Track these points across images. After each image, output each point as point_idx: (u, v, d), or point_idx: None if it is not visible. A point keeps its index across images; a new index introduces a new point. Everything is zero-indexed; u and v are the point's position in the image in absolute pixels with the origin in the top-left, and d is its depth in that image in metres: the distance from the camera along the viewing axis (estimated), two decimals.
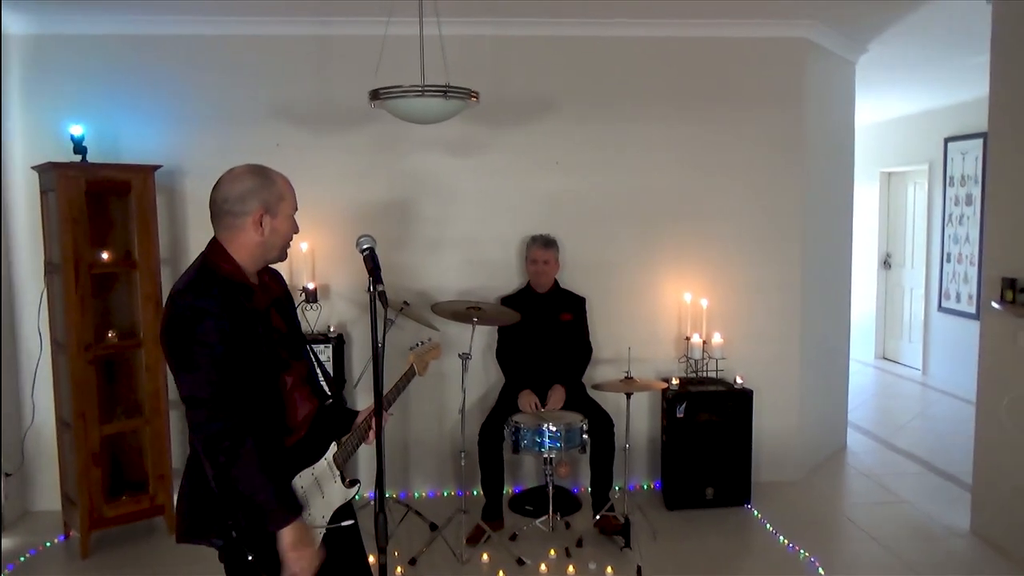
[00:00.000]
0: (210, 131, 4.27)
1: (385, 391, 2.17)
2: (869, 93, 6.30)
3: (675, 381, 4.39)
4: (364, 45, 3.89)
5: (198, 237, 4.25)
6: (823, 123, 4.98)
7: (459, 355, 3.71)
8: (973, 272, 7.07)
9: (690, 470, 4.34)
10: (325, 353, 4.07)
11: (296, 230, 2.07)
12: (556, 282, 4.34)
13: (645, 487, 4.69)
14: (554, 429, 3.74)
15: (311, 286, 4.23)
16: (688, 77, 4.54)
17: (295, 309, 2.27)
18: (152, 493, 4.00)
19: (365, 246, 2.03)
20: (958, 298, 7.34)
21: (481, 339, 4.23)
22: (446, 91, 3.16)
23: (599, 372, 4.48)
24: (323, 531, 2.10)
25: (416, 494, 4.57)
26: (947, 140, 7.38)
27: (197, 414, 1.85)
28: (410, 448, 4.56)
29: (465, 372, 3.69)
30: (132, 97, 4.22)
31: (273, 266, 2.14)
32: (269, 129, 4.30)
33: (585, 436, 3.84)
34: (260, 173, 2.02)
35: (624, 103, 4.51)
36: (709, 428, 4.34)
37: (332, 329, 4.32)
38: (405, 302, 3.97)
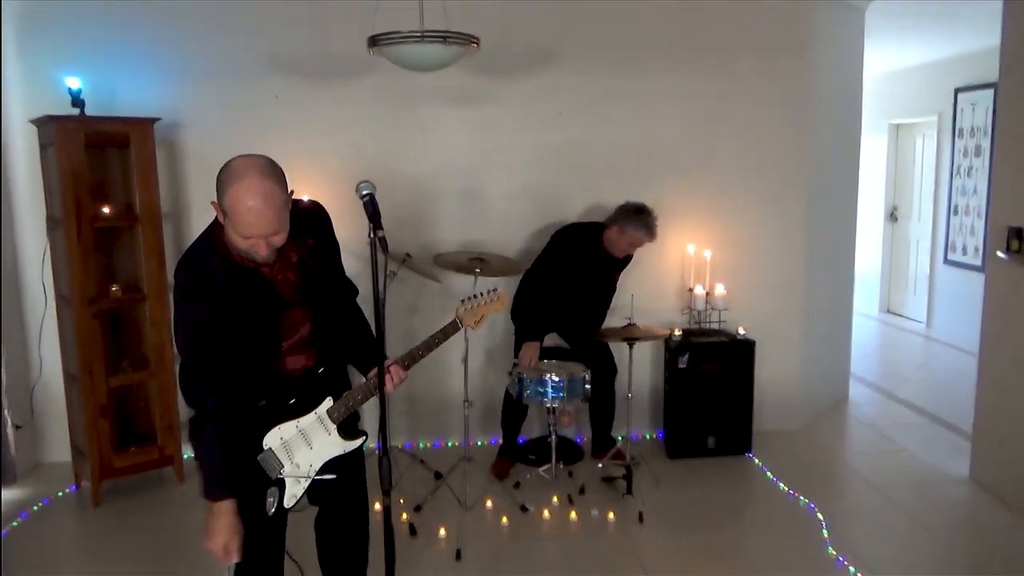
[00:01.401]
0: (207, 84, 4.22)
1: (416, 346, 2.30)
2: (878, 43, 6.17)
3: (678, 332, 4.40)
4: None
5: (199, 191, 4.25)
6: (830, 73, 4.90)
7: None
8: (980, 224, 7.01)
9: (692, 419, 4.38)
10: None
11: (254, 254, 1.97)
12: None
13: (648, 436, 4.74)
14: (557, 379, 3.77)
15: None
16: (692, 27, 4.45)
17: (328, 257, 2.25)
18: (161, 444, 4.05)
19: (365, 191, 2.02)
20: (964, 251, 7.30)
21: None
22: (445, 36, 3.11)
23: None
24: (308, 480, 2.18)
25: (421, 444, 4.63)
26: (957, 91, 7.25)
27: (181, 376, 2.05)
28: (415, 400, 4.60)
29: None
30: (128, 50, 4.16)
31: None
32: (267, 81, 4.25)
33: (588, 387, 3.87)
34: (227, 177, 1.90)
35: (627, 55, 4.44)
36: (711, 378, 4.36)
37: None
38: (407, 254, 3.96)
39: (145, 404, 4.15)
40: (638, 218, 3.99)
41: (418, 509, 3.71)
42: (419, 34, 3.08)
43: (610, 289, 4.29)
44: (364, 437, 2.29)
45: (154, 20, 4.15)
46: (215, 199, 1.94)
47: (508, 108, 4.42)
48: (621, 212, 4.04)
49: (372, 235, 1.96)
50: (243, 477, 2.09)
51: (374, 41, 3.19)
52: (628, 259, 4.27)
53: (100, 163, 3.96)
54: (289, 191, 1.98)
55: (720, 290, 4.46)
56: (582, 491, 3.90)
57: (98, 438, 3.84)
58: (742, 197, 4.62)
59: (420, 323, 4.36)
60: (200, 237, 2.07)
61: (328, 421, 2.21)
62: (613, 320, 4.35)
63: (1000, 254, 3.78)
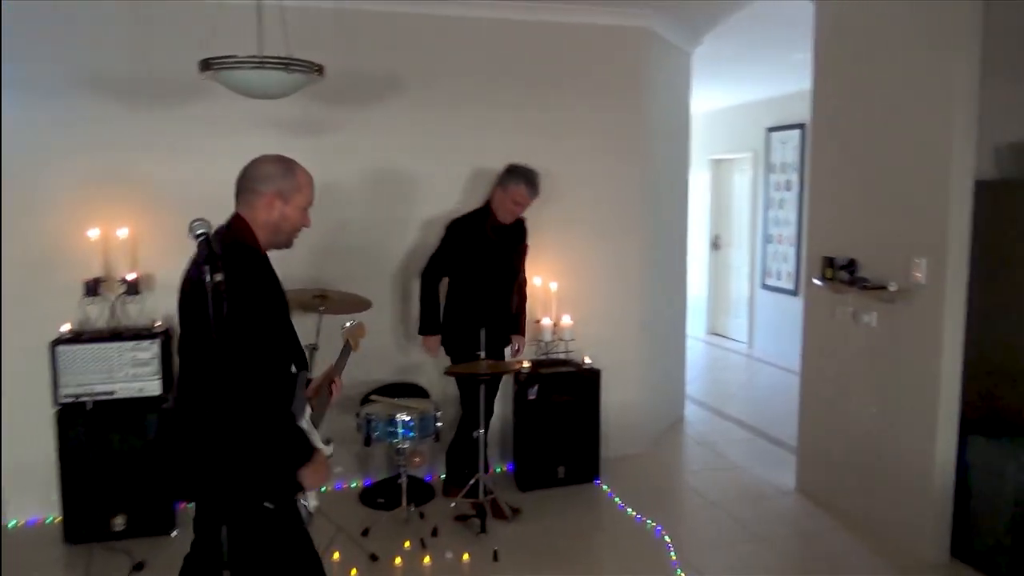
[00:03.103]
0: (17, 102, 3.74)
1: (327, 370, 2.48)
2: (701, 84, 6.66)
3: (526, 364, 4.42)
4: (191, 12, 3.55)
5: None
6: (663, 112, 5.18)
7: (305, 347, 3.50)
8: (791, 252, 7.69)
9: (542, 451, 4.41)
10: (150, 350, 3.70)
11: (307, 223, 2.25)
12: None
13: (498, 470, 4.71)
14: (408, 419, 3.65)
15: (131, 276, 3.85)
16: (534, 62, 4.55)
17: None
18: None
19: (200, 231, 1.82)
20: (779, 276, 7.97)
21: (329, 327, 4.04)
22: (288, 64, 2.94)
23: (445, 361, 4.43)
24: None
25: None
26: (769, 130, 7.96)
27: (247, 378, 1.96)
28: None
29: (312, 366, 3.49)
30: None
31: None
32: (75, 100, 3.83)
33: (439, 424, 3.78)
34: (283, 163, 2.20)
35: (470, 86, 4.46)
36: (560, 409, 4.42)
37: (158, 323, 3.92)
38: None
39: None
40: (516, 171, 4.04)
41: None
42: (258, 60, 2.89)
43: (512, 273, 4.24)
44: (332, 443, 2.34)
45: None
46: (266, 191, 2.12)
47: (350, 136, 4.28)
48: (502, 173, 4.09)
49: (209, 279, 1.78)
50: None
51: (207, 65, 2.96)
52: (523, 237, 4.27)
53: None
54: None
55: (566, 320, 4.55)
56: (435, 533, 3.79)
57: None
58: (584, 229, 4.75)
59: None
60: (247, 245, 2.13)
61: (314, 428, 2.28)
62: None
63: (816, 281, 4.13)
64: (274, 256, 2.23)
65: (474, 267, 4.08)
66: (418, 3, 4.23)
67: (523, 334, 4.39)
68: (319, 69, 3.11)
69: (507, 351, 4.33)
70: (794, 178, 7.61)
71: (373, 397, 4.06)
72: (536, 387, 4.34)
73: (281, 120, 4.07)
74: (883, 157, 3.73)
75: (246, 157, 2.22)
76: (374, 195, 4.38)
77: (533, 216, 4.46)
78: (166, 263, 3.90)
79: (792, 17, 4.68)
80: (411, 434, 3.66)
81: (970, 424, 3.53)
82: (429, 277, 4.14)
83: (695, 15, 4.91)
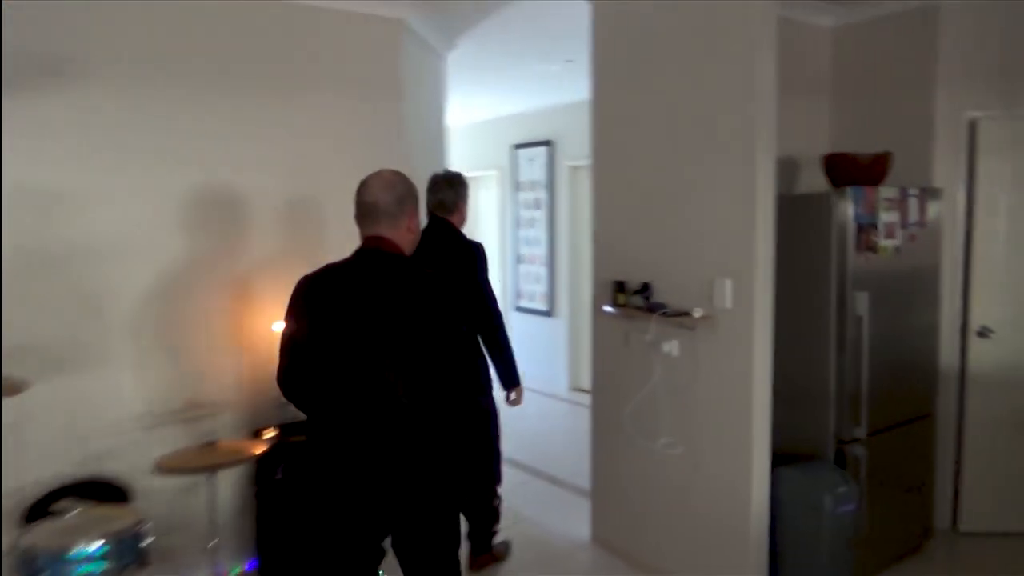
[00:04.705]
0: None
1: None
2: (451, 97, 6.10)
3: (271, 432, 3.41)
4: None
5: None
6: (420, 119, 4.48)
7: None
8: (544, 272, 7.43)
9: (292, 540, 3.41)
10: None
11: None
12: None
13: (234, 572, 3.60)
14: (94, 548, 2.45)
15: None
16: (267, 51, 3.58)
17: None
18: None
19: None
20: (532, 297, 7.68)
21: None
22: None
23: (167, 436, 3.25)
24: None
25: None
26: (515, 147, 7.66)
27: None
28: None
29: None
30: None
31: None
32: None
33: (149, 541, 2.63)
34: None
35: (195, 77, 3.37)
36: None
37: None
38: None
39: None
40: (450, 178, 3.72)
41: None
42: None
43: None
44: None
45: None
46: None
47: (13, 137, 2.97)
48: (457, 185, 3.72)
49: None
50: None
51: None
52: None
53: None
54: None
55: None
56: None
57: None
58: (335, 253, 3.85)
59: None
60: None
61: None
62: (181, 435, 3.17)
63: (607, 308, 3.68)
64: None
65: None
66: None
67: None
68: None
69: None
70: (543, 196, 7.37)
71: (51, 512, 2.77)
72: (282, 465, 3.35)
73: None
74: (677, 172, 3.37)
75: None
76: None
77: (277, 240, 3.51)
78: None
79: (546, 27, 4.30)
80: (101, 567, 2.48)
81: (776, 456, 3.27)
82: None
83: (448, 13, 4.28)
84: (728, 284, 3.16)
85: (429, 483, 2.13)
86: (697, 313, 3.22)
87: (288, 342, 2.17)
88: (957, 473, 3.97)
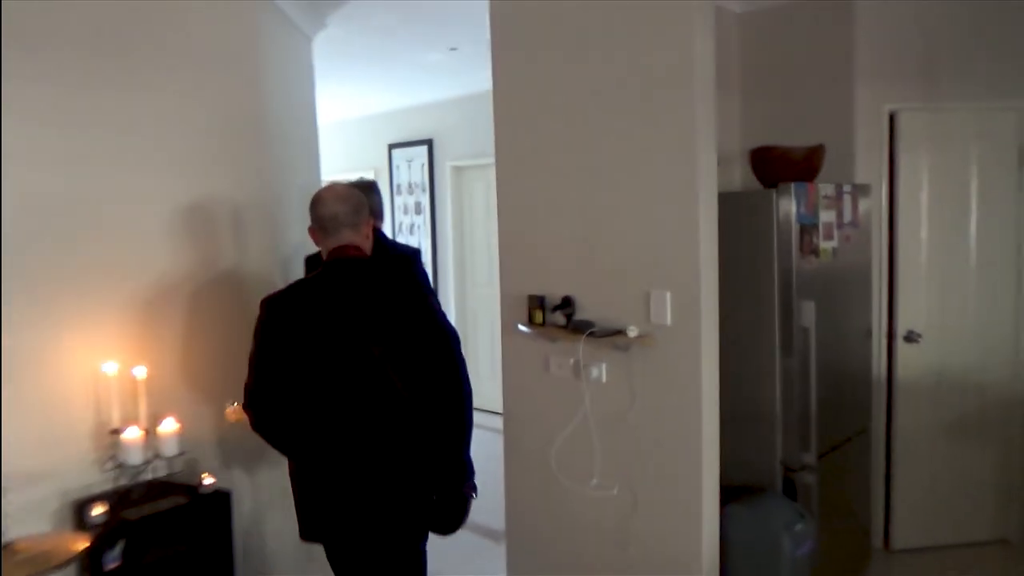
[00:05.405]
0: None
1: None
2: (321, 92, 5.38)
3: (98, 509, 2.62)
4: None
5: None
6: (286, 108, 3.78)
7: None
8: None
9: None
10: None
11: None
12: None
13: None
14: None
15: None
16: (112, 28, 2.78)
17: None
18: None
19: None
20: None
21: None
22: None
23: None
24: None
25: None
26: (391, 147, 7.00)
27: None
28: None
29: None
30: None
31: None
32: None
33: None
34: None
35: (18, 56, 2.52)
36: (169, 566, 2.72)
37: None
38: None
39: None
40: (369, 184, 3.47)
41: None
42: None
43: None
44: None
45: None
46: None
47: None
48: (371, 196, 3.21)
49: None
50: None
51: None
52: None
53: None
54: None
55: (169, 425, 2.83)
56: None
57: None
58: (166, 261, 3.10)
59: None
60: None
61: None
62: None
63: (522, 327, 3.14)
64: None
65: None
66: None
67: None
68: None
69: None
70: (424, 200, 6.76)
71: None
72: (119, 548, 2.58)
73: None
74: (602, 168, 2.88)
75: None
76: None
77: (101, 256, 2.74)
78: None
79: (428, 8, 3.77)
80: None
81: (722, 492, 2.85)
82: None
83: None
84: (667, 297, 2.70)
85: (437, 476, 2.32)
86: (632, 332, 2.74)
87: (272, 366, 2.13)
88: (888, 488, 3.75)
